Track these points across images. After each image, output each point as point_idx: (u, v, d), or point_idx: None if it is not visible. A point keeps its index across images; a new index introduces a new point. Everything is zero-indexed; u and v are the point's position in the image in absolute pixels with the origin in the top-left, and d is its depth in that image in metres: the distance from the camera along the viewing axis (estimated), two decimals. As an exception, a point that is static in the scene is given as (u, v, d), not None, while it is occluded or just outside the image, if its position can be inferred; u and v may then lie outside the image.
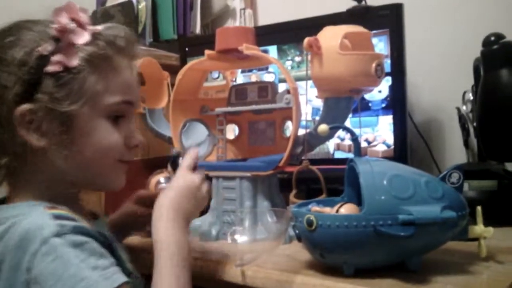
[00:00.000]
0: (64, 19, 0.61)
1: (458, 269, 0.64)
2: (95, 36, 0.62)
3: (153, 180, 0.97)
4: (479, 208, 0.66)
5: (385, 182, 0.62)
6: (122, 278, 0.55)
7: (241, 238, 0.64)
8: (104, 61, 0.62)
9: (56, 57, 0.59)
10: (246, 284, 0.67)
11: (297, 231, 0.65)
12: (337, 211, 0.66)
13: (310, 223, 0.61)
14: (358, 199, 0.68)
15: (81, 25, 0.61)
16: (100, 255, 0.56)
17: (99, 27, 0.64)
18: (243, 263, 0.67)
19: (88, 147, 0.63)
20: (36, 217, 0.57)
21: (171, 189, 0.68)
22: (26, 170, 0.62)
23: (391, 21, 0.99)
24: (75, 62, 0.60)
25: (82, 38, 0.61)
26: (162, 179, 0.96)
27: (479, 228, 0.66)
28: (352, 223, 0.60)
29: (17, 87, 0.59)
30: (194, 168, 0.71)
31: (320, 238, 0.61)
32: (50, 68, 0.59)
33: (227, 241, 0.79)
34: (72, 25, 0.61)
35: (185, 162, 0.71)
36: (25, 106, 0.59)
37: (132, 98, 0.67)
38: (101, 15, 1.58)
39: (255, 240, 0.71)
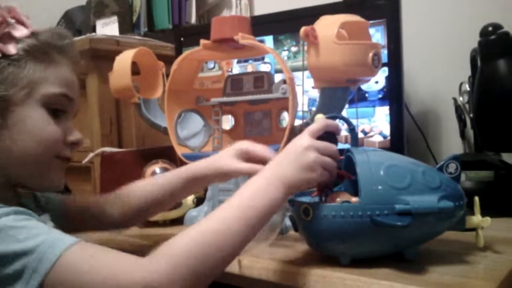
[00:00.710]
0: (5, 14, 0.62)
1: (455, 259, 0.64)
2: (35, 33, 0.63)
3: (149, 170, 0.96)
4: (476, 198, 0.66)
5: (382, 172, 0.61)
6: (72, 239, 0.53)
7: None
8: (43, 55, 0.63)
9: None
10: (243, 274, 0.67)
11: (294, 221, 0.64)
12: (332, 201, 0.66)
13: (306, 212, 0.61)
14: (354, 189, 0.68)
15: (21, 23, 0.63)
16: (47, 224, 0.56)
17: (37, 30, 0.64)
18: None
19: (22, 135, 0.61)
20: None
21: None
22: None
23: (388, 11, 0.98)
24: (13, 50, 0.61)
25: (20, 32, 0.62)
26: (157, 170, 0.96)
27: (477, 218, 0.65)
28: (349, 213, 0.59)
29: None
30: (319, 137, 0.63)
31: (316, 228, 0.61)
32: None
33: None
34: (12, 20, 0.62)
35: (311, 126, 0.64)
36: None
37: (72, 94, 0.66)
38: (95, 4, 1.56)
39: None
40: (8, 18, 0.62)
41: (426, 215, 0.59)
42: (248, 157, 0.72)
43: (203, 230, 0.54)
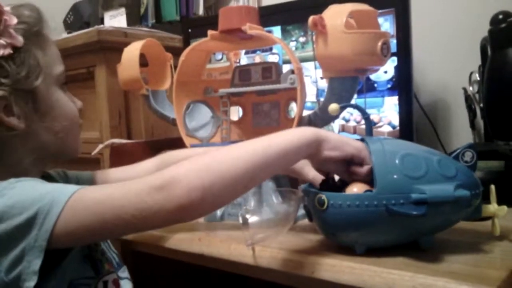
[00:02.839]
0: None
1: (468, 248, 0.63)
2: (18, 15, 0.63)
3: None
4: (492, 186, 0.66)
5: (397, 161, 0.61)
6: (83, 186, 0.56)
7: (251, 219, 0.64)
8: (38, 36, 0.65)
9: (2, 40, 0.61)
10: (252, 263, 0.67)
11: (308, 211, 0.64)
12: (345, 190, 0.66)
13: (321, 202, 0.61)
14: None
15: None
16: None
17: (8, 9, 0.63)
18: (254, 242, 0.66)
19: (58, 117, 0.66)
20: None
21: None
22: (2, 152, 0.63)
23: (397, 0, 0.97)
24: (20, 41, 0.62)
25: (12, 18, 0.62)
26: None
27: (493, 206, 0.65)
28: (364, 202, 0.59)
29: None
30: None
31: (332, 217, 0.61)
32: (4, 52, 0.60)
33: (233, 222, 0.79)
34: (7, 8, 0.62)
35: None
36: None
37: (63, 67, 0.69)
38: (103, -4, 1.56)
39: (262, 221, 0.71)
40: (3, 9, 0.61)
41: (442, 204, 0.58)
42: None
43: (227, 151, 0.55)
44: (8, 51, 0.61)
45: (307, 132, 0.59)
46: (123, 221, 0.51)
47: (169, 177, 0.51)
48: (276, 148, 0.56)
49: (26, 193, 0.54)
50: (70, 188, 0.54)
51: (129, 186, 0.53)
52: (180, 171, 0.51)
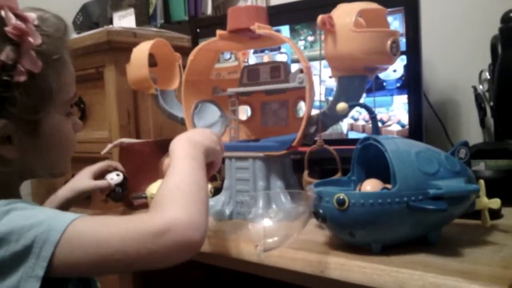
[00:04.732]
0: (12, 17, 0.55)
1: (479, 246, 0.64)
2: (42, 33, 0.58)
3: (166, 160, 0.97)
4: (481, 181, 0.68)
5: (413, 159, 0.62)
6: (76, 214, 0.54)
7: (261, 224, 0.63)
8: (58, 61, 0.60)
9: (21, 65, 0.55)
10: (261, 262, 0.67)
11: (321, 211, 0.63)
12: (360, 189, 0.65)
13: (341, 202, 0.60)
14: (367, 178, 0.69)
15: (25, 20, 0.56)
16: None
17: (34, 18, 0.58)
18: (265, 249, 0.62)
19: (55, 145, 0.63)
20: None
21: (191, 132, 0.74)
22: None
23: (406, -1, 0.97)
24: (39, 66, 0.56)
25: (37, 38, 0.57)
26: None
27: (484, 200, 0.68)
28: (386, 200, 0.60)
29: None
30: None
31: (353, 217, 0.61)
32: (19, 79, 0.55)
33: (242, 221, 0.79)
34: (25, 25, 0.55)
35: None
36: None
37: (76, 88, 0.66)
38: (112, -3, 1.57)
39: (273, 227, 0.70)
40: (18, 22, 0.55)
41: (457, 199, 0.61)
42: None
43: (177, 179, 0.59)
44: (23, 78, 0.55)
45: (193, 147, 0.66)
46: (123, 262, 0.52)
47: (168, 220, 0.52)
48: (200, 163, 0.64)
49: (23, 219, 0.52)
50: (67, 216, 0.53)
51: (126, 229, 0.52)
52: (173, 211, 0.53)
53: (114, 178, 0.94)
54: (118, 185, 0.94)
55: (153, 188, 0.94)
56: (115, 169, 0.96)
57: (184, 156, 0.63)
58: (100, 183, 0.91)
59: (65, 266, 0.52)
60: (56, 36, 0.60)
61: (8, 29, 0.54)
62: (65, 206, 0.86)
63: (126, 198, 0.98)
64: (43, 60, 0.57)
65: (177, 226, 0.51)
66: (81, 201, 0.91)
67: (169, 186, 0.58)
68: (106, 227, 0.53)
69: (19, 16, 0.56)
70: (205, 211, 0.56)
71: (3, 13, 0.54)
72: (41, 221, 0.51)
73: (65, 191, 0.88)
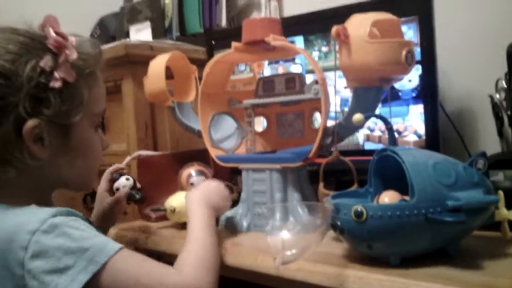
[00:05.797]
0: (53, 33, 0.63)
1: (498, 258, 0.63)
2: (78, 50, 0.65)
3: (185, 173, 0.98)
4: (500, 192, 0.67)
5: (430, 170, 0.62)
6: (119, 244, 0.60)
7: (277, 233, 0.63)
8: (91, 76, 0.67)
9: (57, 73, 0.62)
10: (279, 275, 0.67)
11: (339, 223, 0.63)
12: (378, 201, 0.65)
13: (359, 214, 0.60)
14: (384, 189, 0.68)
15: (64, 37, 0.64)
16: (94, 228, 0.62)
17: (73, 40, 0.66)
18: (284, 261, 0.61)
19: (83, 155, 0.69)
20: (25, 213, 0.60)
21: (200, 186, 0.82)
22: (18, 177, 0.64)
23: (420, 8, 0.97)
24: (73, 77, 0.64)
25: (73, 53, 0.64)
26: (193, 172, 0.97)
27: (503, 211, 0.66)
28: (405, 212, 0.59)
29: (27, 102, 0.61)
30: None
31: (371, 229, 0.60)
32: (54, 84, 0.62)
33: (259, 233, 0.79)
34: (64, 41, 0.64)
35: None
36: (33, 121, 0.61)
37: (105, 105, 0.73)
38: (129, 10, 1.59)
39: (289, 234, 0.70)
40: (59, 38, 0.63)
41: (475, 210, 0.61)
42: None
43: (199, 244, 0.69)
44: (58, 84, 0.62)
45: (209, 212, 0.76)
46: None
47: (195, 284, 0.62)
48: (211, 227, 0.74)
49: (70, 240, 0.57)
50: (111, 247, 0.58)
51: (161, 278, 0.60)
52: (200, 278, 0.63)
53: (126, 184, 0.94)
54: (132, 188, 0.94)
55: (172, 200, 0.93)
56: (120, 173, 0.96)
57: (202, 224, 0.72)
58: (118, 195, 0.92)
59: None
60: (91, 55, 0.67)
61: (49, 41, 0.63)
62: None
63: (145, 197, 0.97)
64: (77, 72, 0.64)
65: None
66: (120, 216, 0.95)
67: (193, 253, 0.67)
68: (143, 269, 0.60)
69: (59, 34, 0.64)
70: (217, 279, 0.66)
71: (45, 29, 0.64)
72: (85, 249, 0.57)
73: (96, 219, 0.88)
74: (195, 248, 0.68)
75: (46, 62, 0.62)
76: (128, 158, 1.07)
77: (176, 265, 0.65)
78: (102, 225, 0.85)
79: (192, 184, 0.97)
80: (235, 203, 0.93)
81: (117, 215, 0.92)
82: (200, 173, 0.98)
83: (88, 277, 0.56)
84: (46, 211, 0.59)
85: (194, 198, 0.78)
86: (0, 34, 0.63)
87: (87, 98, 0.66)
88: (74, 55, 0.64)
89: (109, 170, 0.95)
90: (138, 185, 0.96)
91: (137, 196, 0.94)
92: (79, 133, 0.67)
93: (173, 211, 0.92)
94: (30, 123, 0.61)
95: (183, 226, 0.93)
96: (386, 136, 0.99)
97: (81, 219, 0.61)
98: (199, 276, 0.63)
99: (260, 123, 1.05)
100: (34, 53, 0.62)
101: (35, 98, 0.61)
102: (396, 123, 0.99)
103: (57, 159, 0.65)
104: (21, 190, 0.65)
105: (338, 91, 1.02)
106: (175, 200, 0.93)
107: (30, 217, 0.58)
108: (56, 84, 0.62)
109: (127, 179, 0.95)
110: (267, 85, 0.95)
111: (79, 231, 0.58)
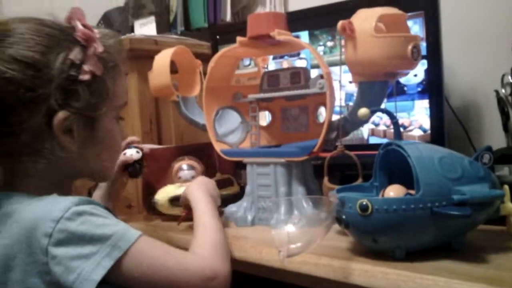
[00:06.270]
0: (81, 26, 0.64)
1: (499, 251, 0.63)
2: (102, 43, 0.66)
3: (176, 166, 1.00)
4: (506, 186, 0.67)
5: (436, 164, 0.62)
6: (138, 231, 0.61)
7: (282, 226, 0.63)
8: (115, 68, 0.68)
9: (86, 66, 0.63)
10: (284, 268, 0.67)
11: (344, 217, 0.63)
12: (383, 194, 0.65)
13: (364, 208, 0.60)
14: (389, 184, 0.68)
15: (91, 30, 0.65)
16: (113, 216, 0.63)
17: (97, 32, 0.67)
18: (289, 255, 0.62)
19: (108, 147, 0.70)
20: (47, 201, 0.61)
21: (198, 179, 0.86)
22: (45, 169, 0.65)
23: (426, 3, 0.96)
24: (100, 70, 0.65)
25: (100, 46, 0.65)
26: (184, 166, 1.00)
27: (508, 205, 0.66)
28: (410, 206, 0.60)
29: (58, 95, 0.61)
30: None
31: (376, 223, 0.61)
32: (83, 77, 0.63)
33: (264, 226, 0.80)
34: (93, 34, 0.65)
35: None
36: (64, 113, 0.62)
37: (127, 97, 0.75)
38: (133, 5, 1.59)
39: (294, 228, 0.70)
40: (87, 30, 0.64)
41: (481, 204, 0.61)
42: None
43: (211, 229, 0.71)
44: (87, 77, 0.63)
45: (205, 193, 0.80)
46: None
47: (218, 271, 0.64)
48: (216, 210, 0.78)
49: (94, 226, 0.58)
50: (132, 234, 0.60)
51: (185, 263, 0.62)
52: (221, 264, 0.65)
53: (134, 154, 0.96)
54: (137, 161, 0.96)
55: (159, 194, 0.97)
56: (134, 146, 0.98)
57: (208, 210, 0.75)
58: (122, 158, 0.94)
59: (117, 279, 0.58)
60: (114, 48, 0.68)
61: (78, 33, 0.64)
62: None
63: (142, 175, 1.00)
64: (103, 65, 0.65)
65: (221, 277, 0.63)
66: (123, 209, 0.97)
67: (207, 237, 0.69)
68: (165, 254, 0.62)
69: (86, 26, 0.65)
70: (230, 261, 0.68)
71: (73, 21, 0.65)
72: (108, 236, 0.58)
73: (99, 198, 0.91)
74: (208, 233, 0.70)
75: (75, 54, 0.62)
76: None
77: (192, 250, 0.67)
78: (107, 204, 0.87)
79: (180, 178, 1.00)
80: (237, 196, 0.94)
81: (120, 190, 0.95)
82: (190, 167, 1.00)
83: (112, 263, 0.57)
84: (69, 200, 0.60)
85: (196, 187, 0.81)
86: (26, 24, 0.63)
87: (113, 91, 0.67)
88: (100, 48, 0.64)
89: (125, 141, 0.96)
90: (145, 164, 0.98)
91: (136, 170, 0.96)
92: (104, 125, 0.68)
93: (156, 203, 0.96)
94: (61, 114, 0.62)
95: (165, 218, 0.99)
96: (391, 130, 1.00)
97: (101, 207, 0.63)
98: (216, 259, 0.65)
99: (265, 118, 1.05)
100: (63, 45, 0.63)
101: (65, 90, 0.62)
102: (402, 118, 0.98)
103: (85, 150, 0.66)
104: (46, 181, 0.66)
105: (343, 85, 1.02)
106: (163, 193, 0.97)
107: (54, 206, 0.59)
108: (85, 77, 0.62)
109: (138, 152, 0.97)
110: (272, 79, 0.95)
111: (102, 218, 0.60)
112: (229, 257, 0.68)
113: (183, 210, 0.85)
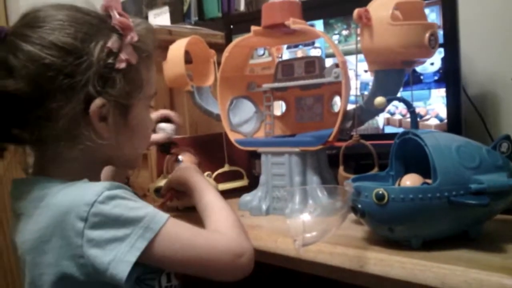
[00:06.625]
0: (117, 15, 0.65)
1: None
2: (138, 33, 0.67)
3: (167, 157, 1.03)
4: None
5: (453, 153, 0.62)
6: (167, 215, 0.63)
7: (298, 215, 0.63)
8: (148, 58, 0.69)
9: (123, 55, 0.64)
10: (299, 257, 0.67)
11: (360, 206, 0.63)
12: (399, 184, 0.65)
13: (380, 197, 0.60)
14: (405, 173, 0.68)
15: (127, 18, 0.66)
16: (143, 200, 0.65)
17: (131, 21, 0.67)
18: (305, 242, 0.62)
19: (140, 134, 0.71)
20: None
21: (191, 165, 0.89)
22: (80, 155, 0.66)
23: (443, -10, 0.95)
24: (136, 59, 0.66)
25: (135, 35, 0.66)
26: (179, 158, 1.01)
27: None
28: (427, 195, 0.59)
29: (95, 82, 0.62)
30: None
31: (392, 212, 0.60)
32: (119, 65, 0.63)
33: (279, 215, 0.80)
34: (130, 23, 0.65)
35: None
36: (100, 100, 0.63)
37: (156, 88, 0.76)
38: (147, -4, 1.59)
39: (310, 217, 0.70)
40: (131, 24, 0.65)
41: (499, 193, 0.60)
42: None
43: (226, 211, 0.73)
44: (123, 65, 0.63)
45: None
46: (202, 268, 0.64)
47: (244, 247, 0.66)
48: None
49: (127, 209, 0.60)
50: (162, 215, 0.62)
51: (214, 242, 0.65)
52: (246, 242, 0.68)
53: (166, 128, 0.98)
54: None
55: (151, 185, 0.99)
56: (167, 120, 1.00)
57: (215, 192, 0.77)
58: (156, 136, 0.96)
59: (150, 260, 0.60)
60: (147, 37, 0.69)
61: (115, 22, 0.64)
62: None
63: (169, 149, 1.01)
64: (138, 54, 0.66)
65: (248, 254, 0.66)
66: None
67: (225, 218, 0.71)
68: (194, 235, 0.64)
69: (122, 15, 0.66)
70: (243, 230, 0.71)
71: (110, 10, 0.65)
72: (140, 218, 0.60)
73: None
74: (225, 214, 0.72)
75: (113, 43, 0.63)
76: None
77: (216, 230, 0.68)
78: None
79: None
80: (254, 186, 0.94)
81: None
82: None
83: (146, 244, 0.59)
84: (101, 185, 0.61)
85: (194, 171, 0.82)
86: (64, 11, 0.64)
87: (146, 80, 0.68)
88: (135, 37, 0.65)
89: (158, 112, 0.99)
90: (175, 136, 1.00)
91: (167, 146, 0.98)
92: (137, 114, 0.69)
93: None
94: (98, 101, 0.63)
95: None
96: (407, 120, 0.99)
97: (130, 191, 0.64)
98: (241, 237, 0.67)
99: (279, 107, 1.05)
100: (102, 33, 0.63)
101: (103, 78, 0.63)
102: (418, 107, 0.97)
103: (118, 138, 0.67)
104: (78, 167, 0.67)
105: (358, 74, 1.01)
106: (158, 184, 0.99)
107: (86, 190, 0.60)
108: (121, 65, 0.63)
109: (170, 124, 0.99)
110: (286, 68, 0.95)
111: (132, 201, 0.61)
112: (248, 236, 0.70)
113: (166, 194, 0.86)
